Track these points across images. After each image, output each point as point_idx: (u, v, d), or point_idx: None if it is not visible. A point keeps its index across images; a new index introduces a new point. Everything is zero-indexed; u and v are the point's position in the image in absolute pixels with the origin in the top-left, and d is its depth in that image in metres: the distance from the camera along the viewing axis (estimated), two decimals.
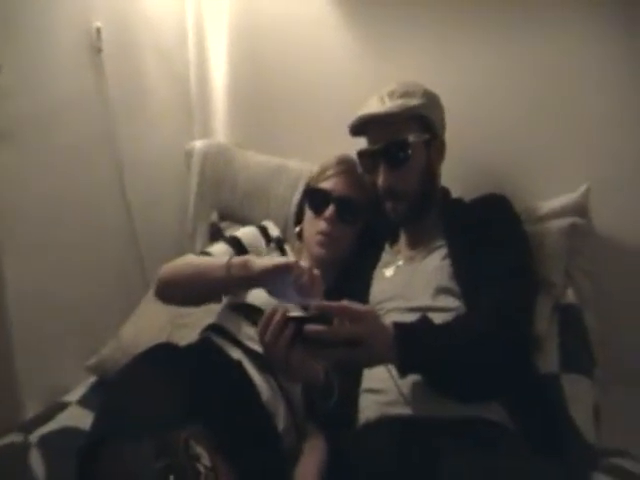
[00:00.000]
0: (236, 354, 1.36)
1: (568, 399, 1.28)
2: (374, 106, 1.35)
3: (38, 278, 1.59)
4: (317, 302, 1.07)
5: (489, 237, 1.26)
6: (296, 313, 1.09)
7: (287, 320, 1.06)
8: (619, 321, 1.60)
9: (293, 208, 1.69)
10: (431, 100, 1.37)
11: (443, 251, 1.32)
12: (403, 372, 1.09)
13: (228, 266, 1.28)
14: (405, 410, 1.15)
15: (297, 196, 1.71)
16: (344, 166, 1.53)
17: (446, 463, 1.01)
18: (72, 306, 1.67)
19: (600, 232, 1.62)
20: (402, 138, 1.33)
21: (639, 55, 1.58)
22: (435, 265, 1.31)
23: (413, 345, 1.07)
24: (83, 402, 1.52)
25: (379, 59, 1.82)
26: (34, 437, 1.37)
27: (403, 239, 1.46)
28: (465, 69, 1.70)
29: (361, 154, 1.42)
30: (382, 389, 1.20)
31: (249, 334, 1.38)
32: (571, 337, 1.43)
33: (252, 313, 1.40)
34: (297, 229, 1.60)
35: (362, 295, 1.38)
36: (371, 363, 1.13)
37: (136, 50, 1.89)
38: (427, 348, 1.08)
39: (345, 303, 1.04)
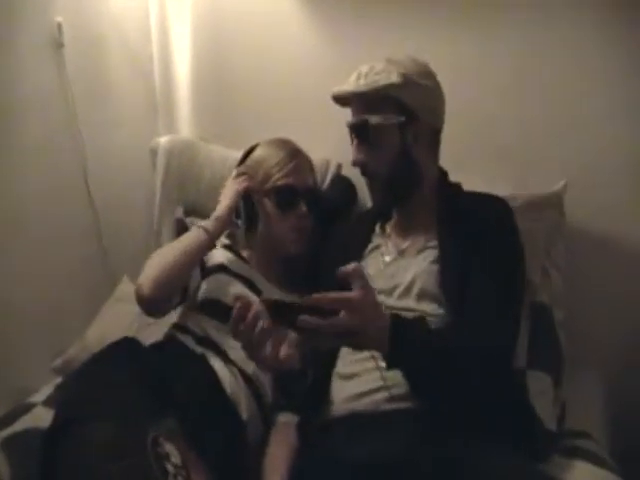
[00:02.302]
0: (199, 349, 1.37)
1: (531, 393, 1.29)
2: (348, 83, 1.33)
3: (1, 277, 1.57)
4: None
5: (484, 250, 1.22)
6: (287, 299, 1.07)
7: (277, 306, 1.01)
8: (589, 316, 1.64)
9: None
10: (410, 81, 1.28)
11: (434, 253, 1.27)
12: (390, 365, 1.07)
13: (204, 229, 1.41)
14: (373, 399, 1.16)
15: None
16: (299, 157, 1.52)
17: (410, 457, 1.02)
18: (36, 306, 1.65)
19: (572, 228, 1.64)
20: (364, 118, 1.31)
21: (633, 55, 1.60)
22: (424, 268, 1.26)
23: (407, 341, 1.05)
24: (49, 403, 1.50)
25: (344, 52, 1.81)
26: None
27: (393, 223, 1.40)
28: (439, 62, 1.69)
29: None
30: (356, 373, 1.20)
31: (211, 329, 1.40)
32: (540, 335, 1.46)
33: (212, 308, 1.42)
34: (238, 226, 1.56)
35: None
36: (361, 348, 1.10)
37: (99, 45, 1.87)
38: (420, 348, 1.07)
39: (342, 294, 1.01)
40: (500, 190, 1.47)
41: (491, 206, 1.32)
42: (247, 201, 1.51)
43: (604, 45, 1.62)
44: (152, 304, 1.36)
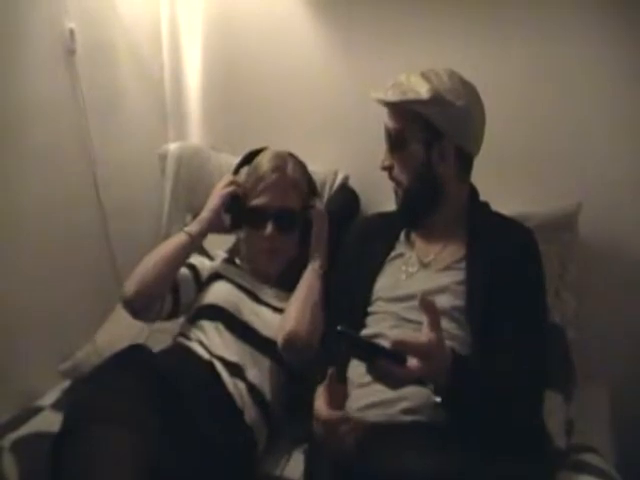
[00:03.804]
0: (207, 356, 1.39)
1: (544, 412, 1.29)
2: (383, 89, 1.33)
3: (10, 280, 1.57)
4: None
5: (513, 280, 1.22)
6: (368, 340, 1.11)
7: (357, 344, 1.06)
8: (599, 334, 1.64)
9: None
10: (440, 100, 1.27)
11: (460, 274, 1.27)
12: (444, 398, 1.09)
13: (186, 231, 1.47)
14: (386, 411, 1.17)
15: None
16: (276, 174, 1.49)
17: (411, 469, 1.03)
18: (45, 310, 1.66)
19: (585, 246, 1.64)
20: (392, 126, 1.33)
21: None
22: (447, 285, 1.26)
23: (466, 380, 1.07)
24: (57, 406, 1.51)
25: (357, 61, 1.83)
26: (7, 441, 1.35)
27: (419, 233, 1.40)
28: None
29: None
30: (369, 382, 1.19)
31: (215, 337, 1.42)
32: (553, 355, 1.43)
33: (212, 313, 1.46)
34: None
35: (366, 283, 1.36)
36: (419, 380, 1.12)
37: (110, 52, 1.88)
38: (474, 387, 1.09)
39: (419, 342, 1.03)
40: (513, 209, 1.49)
41: (519, 233, 1.32)
42: (234, 206, 1.52)
43: (622, 54, 1.61)
44: (135, 305, 1.41)
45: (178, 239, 1.47)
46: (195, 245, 1.50)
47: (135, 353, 1.25)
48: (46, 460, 1.09)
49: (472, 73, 1.66)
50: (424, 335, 1.03)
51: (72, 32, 1.73)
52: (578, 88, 1.66)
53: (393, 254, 1.39)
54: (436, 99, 1.27)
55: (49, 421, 1.41)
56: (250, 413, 1.35)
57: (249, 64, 1.96)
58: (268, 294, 1.51)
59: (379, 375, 1.04)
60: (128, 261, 1.85)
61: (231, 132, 1.99)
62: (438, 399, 1.08)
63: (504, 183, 1.69)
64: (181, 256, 1.46)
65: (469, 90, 1.33)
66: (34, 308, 1.63)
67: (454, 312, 1.23)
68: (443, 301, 1.22)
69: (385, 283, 1.35)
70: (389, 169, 1.36)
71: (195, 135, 2.06)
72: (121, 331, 1.66)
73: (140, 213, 1.94)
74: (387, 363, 1.01)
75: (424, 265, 1.33)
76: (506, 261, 1.24)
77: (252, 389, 1.37)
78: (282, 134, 1.82)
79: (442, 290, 1.26)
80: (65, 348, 1.69)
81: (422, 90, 1.27)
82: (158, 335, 1.63)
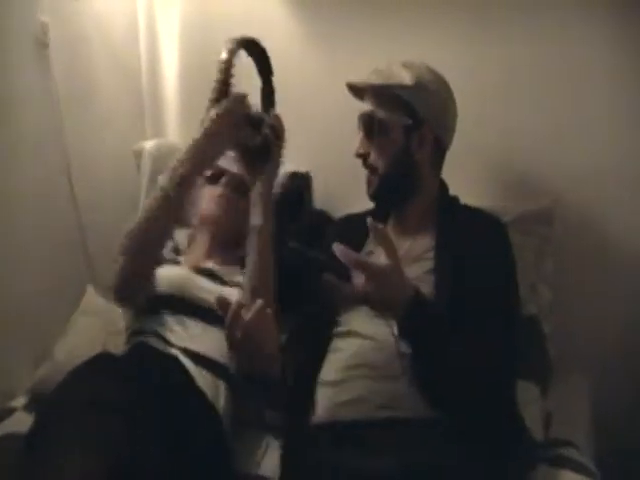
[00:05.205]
0: (169, 349, 1.35)
1: (520, 403, 1.29)
2: (365, 75, 1.36)
3: None
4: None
5: (481, 266, 1.24)
6: (313, 253, 1.13)
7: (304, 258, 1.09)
8: (576, 326, 1.65)
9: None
10: (422, 87, 1.31)
11: (429, 264, 1.28)
12: (402, 333, 1.12)
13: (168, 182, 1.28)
14: (358, 408, 1.16)
15: None
16: None
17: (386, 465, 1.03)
18: (19, 309, 1.62)
19: (561, 239, 1.64)
20: (373, 111, 1.33)
21: (628, 65, 1.61)
22: (418, 276, 1.26)
23: (426, 319, 1.12)
24: (29, 408, 1.49)
25: (334, 61, 1.82)
26: None
27: (389, 229, 1.39)
28: None
29: None
30: (342, 380, 1.21)
31: (175, 328, 1.38)
32: (529, 347, 1.45)
33: (164, 302, 1.41)
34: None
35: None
36: (377, 311, 1.16)
37: (84, 45, 1.85)
38: (435, 326, 1.13)
39: (374, 263, 1.07)
40: (489, 202, 1.50)
41: (487, 223, 1.34)
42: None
43: (598, 52, 1.62)
44: (123, 294, 1.35)
45: (162, 196, 1.30)
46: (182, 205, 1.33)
47: (98, 362, 1.23)
48: (17, 461, 1.06)
49: (452, 70, 1.67)
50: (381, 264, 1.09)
51: (45, 25, 1.70)
52: (555, 85, 1.67)
53: (363, 252, 1.38)
54: (419, 86, 1.31)
55: (21, 422, 1.37)
56: (219, 401, 1.33)
57: None
58: (211, 267, 1.49)
59: (326, 288, 1.08)
60: (102, 259, 1.84)
61: None
62: (395, 332, 1.13)
63: (481, 178, 1.71)
64: (172, 220, 1.35)
65: (445, 84, 1.37)
66: (8, 308, 1.60)
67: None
68: None
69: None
70: (364, 156, 1.35)
71: (172, 129, 2.03)
72: (78, 341, 1.64)
73: (115, 211, 1.88)
74: (332, 277, 1.04)
75: None
76: (474, 249, 1.26)
77: (215, 369, 1.34)
78: None
79: (414, 280, 1.24)
80: (39, 348, 1.65)
81: (406, 76, 1.30)
82: (117, 337, 1.59)
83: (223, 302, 1.15)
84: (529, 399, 1.41)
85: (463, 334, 1.15)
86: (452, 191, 1.43)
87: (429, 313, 1.13)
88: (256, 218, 1.37)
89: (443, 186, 1.41)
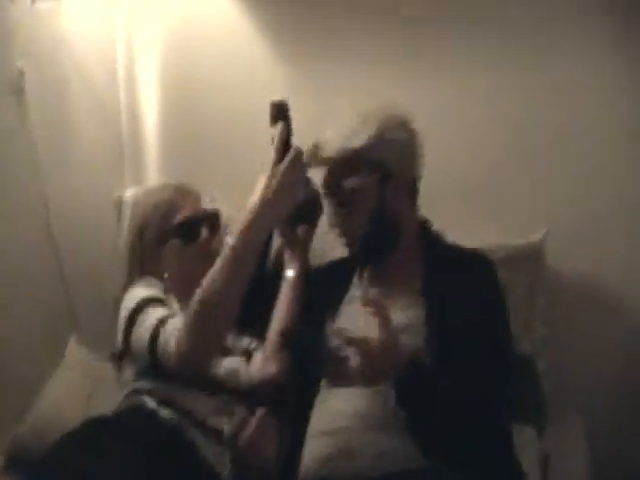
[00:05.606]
0: (172, 417, 1.27)
1: (516, 447, 1.26)
2: (320, 145, 1.30)
3: None
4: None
5: (473, 308, 1.21)
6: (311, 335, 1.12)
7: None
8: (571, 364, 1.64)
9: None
10: (385, 139, 1.26)
11: (419, 310, 1.24)
12: (401, 401, 1.10)
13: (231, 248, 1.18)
14: (344, 463, 1.13)
15: None
16: (185, 190, 1.49)
17: None
18: None
19: (554, 274, 1.64)
20: (339, 183, 1.28)
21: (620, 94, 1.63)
22: (408, 325, 1.22)
23: (420, 382, 1.09)
24: (8, 469, 1.44)
25: (315, 98, 1.80)
26: None
27: (374, 274, 1.35)
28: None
29: None
30: (328, 431, 1.17)
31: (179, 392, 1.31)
32: (523, 388, 1.43)
33: None
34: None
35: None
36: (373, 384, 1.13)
37: (63, 90, 1.82)
38: (432, 391, 1.10)
39: (365, 340, 1.05)
40: (479, 239, 1.49)
41: (474, 262, 1.31)
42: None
43: (584, 79, 1.65)
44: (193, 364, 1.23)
45: (230, 257, 1.18)
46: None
47: (89, 433, 1.18)
48: None
49: (430, 103, 1.68)
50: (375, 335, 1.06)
51: (21, 71, 1.67)
52: (540, 118, 1.68)
53: (348, 297, 1.35)
54: (381, 139, 1.26)
55: None
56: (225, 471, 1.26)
57: (209, 103, 1.92)
58: None
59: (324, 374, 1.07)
60: (84, 307, 1.80)
61: (191, 171, 1.90)
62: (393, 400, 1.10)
63: (469, 215, 1.70)
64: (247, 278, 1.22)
65: (404, 120, 1.32)
66: None
67: (416, 350, 1.19)
68: (405, 340, 1.18)
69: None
70: (340, 228, 1.31)
71: (153, 175, 2.00)
72: (61, 395, 1.57)
73: (96, 260, 1.84)
74: (329, 361, 1.03)
75: None
76: (463, 290, 1.23)
77: (220, 438, 1.28)
78: (241, 172, 1.77)
79: (402, 330, 1.21)
80: (17, 403, 1.58)
81: (364, 135, 1.25)
82: (102, 385, 1.54)
83: None
84: (525, 442, 1.39)
85: (457, 377, 1.12)
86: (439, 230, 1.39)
87: (425, 378, 1.10)
88: (294, 270, 1.38)
89: (424, 222, 1.38)
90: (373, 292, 1.30)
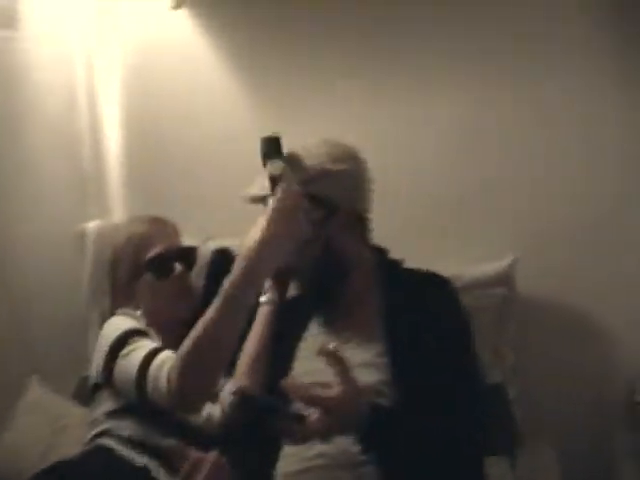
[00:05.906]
0: (139, 459, 1.24)
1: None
2: (260, 183, 1.23)
3: None
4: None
5: (435, 337, 1.19)
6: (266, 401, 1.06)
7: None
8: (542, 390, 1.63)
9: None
10: (327, 173, 1.21)
11: (379, 345, 1.21)
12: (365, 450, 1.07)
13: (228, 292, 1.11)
14: None
15: None
16: (160, 223, 1.49)
17: None
18: None
19: (523, 299, 1.63)
20: None
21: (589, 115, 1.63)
22: (367, 361, 1.19)
23: (383, 429, 1.06)
24: None
25: (282, 127, 1.78)
26: None
27: (332, 309, 1.31)
28: (369, 137, 1.65)
29: None
30: (295, 472, 1.14)
31: (149, 430, 1.28)
32: (494, 417, 1.40)
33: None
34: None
35: (282, 371, 1.25)
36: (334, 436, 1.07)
37: (20, 121, 1.77)
38: (397, 435, 1.07)
39: (322, 394, 1.00)
40: (447, 265, 1.47)
41: (433, 286, 1.28)
42: None
43: (571, 100, 1.65)
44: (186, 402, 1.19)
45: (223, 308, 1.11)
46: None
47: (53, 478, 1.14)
48: None
49: (400, 131, 1.68)
50: (334, 388, 1.01)
51: None
52: (510, 145, 1.69)
53: (307, 334, 1.31)
54: (324, 173, 1.21)
55: None
56: None
57: (172, 132, 1.89)
58: None
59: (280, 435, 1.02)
60: (45, 346, 1.73)
61: (155, 199, 1.89)
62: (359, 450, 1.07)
63: (438, 242, 1.70)
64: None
65: (349, 152, 1.27)
66: None
67: (381, 386, 1.17)
68: (367, 377, 1.16)
69: (300, 370, 1.25)
70: (286, 270, 1.25)
71: (116, 208, 1.95)
72: (20, 438, 1.52)
73: (55, 298, 1.80)
74: (285, 423, 0.99)
75: (343, 341, 1.23)
76: (424, 317, 1.21)
77: None
78: (208, 207, 1.79)
79: (365, 366, 1.18)
80: None
81: (307, 172, 1.20)
82: (61, 435, 1.50)
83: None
84: (499, 474, 1.37)
85: (423, 408, 1.10)
86: (402, 256, 1.36)
87: (387, 422, 1.06)
88: (274, 295, 1.35)
89: (379, 252, 1.34)
90: (327, 340, 1.23)
